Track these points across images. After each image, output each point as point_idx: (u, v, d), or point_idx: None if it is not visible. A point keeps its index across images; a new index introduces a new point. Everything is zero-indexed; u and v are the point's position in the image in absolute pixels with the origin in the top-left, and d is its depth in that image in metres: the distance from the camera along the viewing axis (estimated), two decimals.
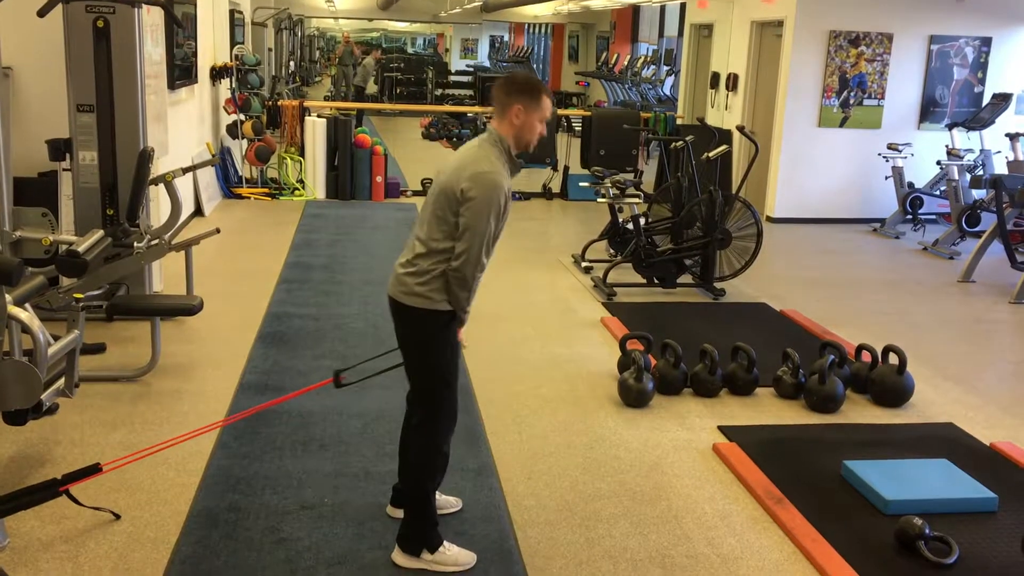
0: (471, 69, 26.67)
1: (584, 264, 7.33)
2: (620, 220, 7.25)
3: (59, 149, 5.41)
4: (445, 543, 3.12)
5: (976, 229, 8.40)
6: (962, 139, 9.37)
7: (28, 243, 4.74)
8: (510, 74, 3.17)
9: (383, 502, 3.46)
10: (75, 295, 3.98)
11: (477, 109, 14.79)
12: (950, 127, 9.50)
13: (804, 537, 3.38)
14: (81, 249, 4.13)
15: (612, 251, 7.43)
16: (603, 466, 3.95)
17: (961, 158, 8.75)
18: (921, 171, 9.51)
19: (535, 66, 25.91)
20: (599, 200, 7.27)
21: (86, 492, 3.36)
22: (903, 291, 7.21)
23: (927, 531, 3.31)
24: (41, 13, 4.90)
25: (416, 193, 10.54)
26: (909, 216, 9.32)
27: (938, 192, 9.28)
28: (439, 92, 21.98)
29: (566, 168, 10.88)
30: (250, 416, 4.04)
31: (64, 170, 5.60)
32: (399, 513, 3.26)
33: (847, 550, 3.30)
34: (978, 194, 8.68)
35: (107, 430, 4.06)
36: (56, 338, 3.43)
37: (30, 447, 3.86)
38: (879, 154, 9.43)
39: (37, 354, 3.19)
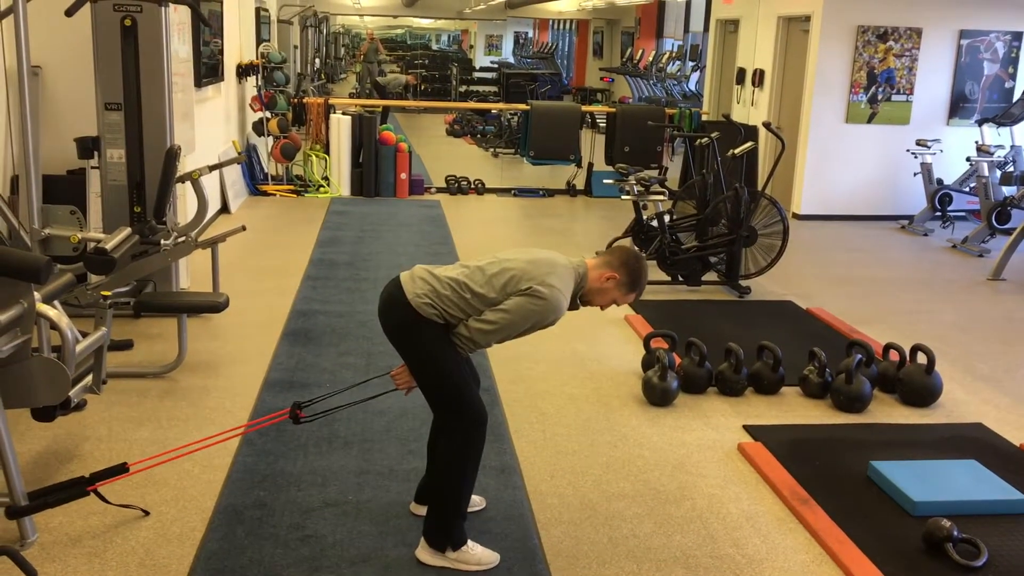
0: (495, 66, 26.63)
1: None
2: (644, 217, 7.21)
3: (87, 147, 5.46)
4: (469, 542, 3.12)
5: (1006, 226, 8.30)
6: (992, 135, 9.25)
7: (57, 240, 4.79)
8: (639, 255, 3.18)
9: (407, 500, 3.47)
10: (103, 292, 4.01)
11: (501, 106, 14.75)
12: (980, 123, 9.37)
13: (830, 538, 3.35)
14: (109, 246, 4.16)
15: (636, 248, 7.38)
16: (627, 465, 3.93)
17: (991, 154, 8.64)
18: (950, 167, 9.41)
19: (560, 62, 25.84)
20: (623, 197, 7.23)
21: (113, 488, 3.39)
22: (931, 289, 7.13)
23: (955, 533, 3.27)
24: (69, 12, 4.94)
25: (440, 190, 10.55)
26: (938, 213, 9.22)
27: (967, 189, 9.17)
28: (463, 89, 21.97)
29: (590, 165, 10.85)
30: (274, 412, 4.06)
31: (92, 168, 5.66)
32: (422, 510, 3.27)
33: (874, 552, 3.27)
34: (1008, 191, 8.56)
35: (134, 426, 4.10)
36: (84, 335, 3.47)
37: (58, 443, 3.90)
38: (907, 150, 9.32)
39: (65, 351, 3.22)
